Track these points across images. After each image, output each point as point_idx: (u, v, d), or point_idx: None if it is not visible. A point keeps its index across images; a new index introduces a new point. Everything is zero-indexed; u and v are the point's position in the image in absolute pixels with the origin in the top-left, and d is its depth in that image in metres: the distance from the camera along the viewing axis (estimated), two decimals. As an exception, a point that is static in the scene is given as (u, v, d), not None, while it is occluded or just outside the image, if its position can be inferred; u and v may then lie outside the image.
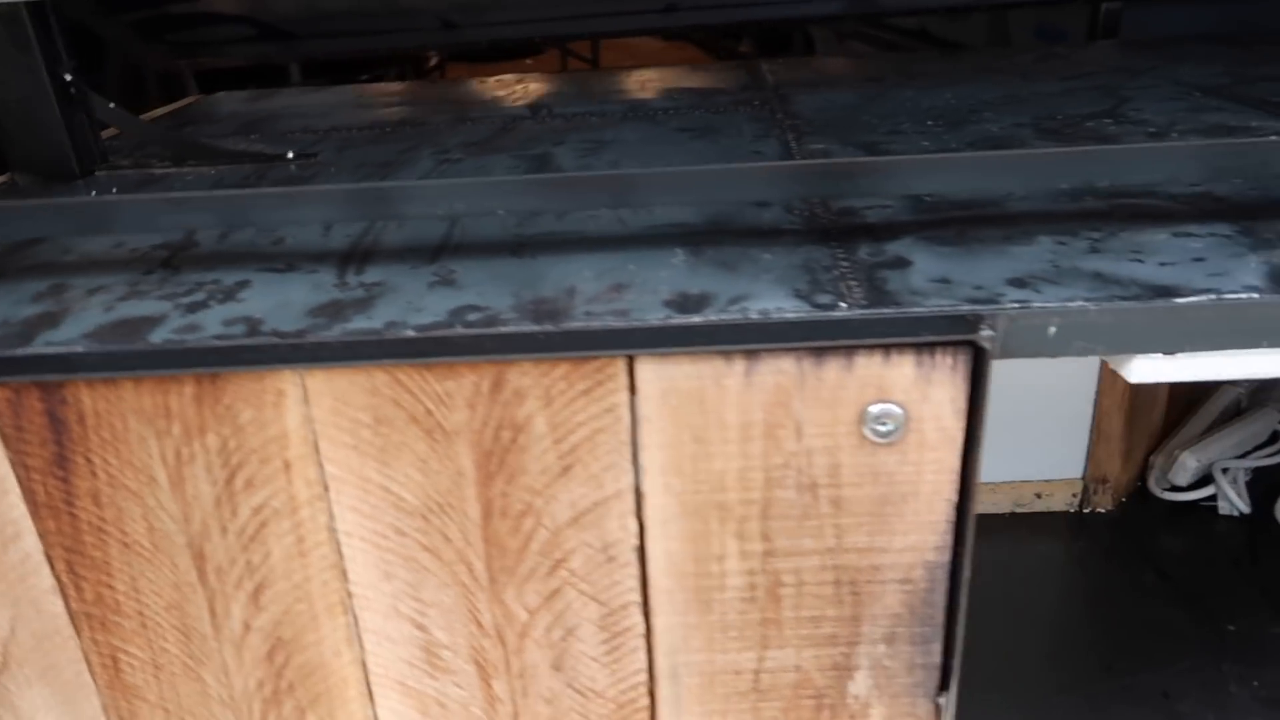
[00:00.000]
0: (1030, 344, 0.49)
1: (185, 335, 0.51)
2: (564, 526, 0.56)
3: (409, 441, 0.53)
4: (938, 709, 0.59)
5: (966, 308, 0.48)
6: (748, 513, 0.55)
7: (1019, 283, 0.50)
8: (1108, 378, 1.34)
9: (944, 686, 0.59)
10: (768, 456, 0.53)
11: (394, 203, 0.59)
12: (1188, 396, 1.52)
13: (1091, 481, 1.41)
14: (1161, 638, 1.15)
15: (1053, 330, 0.49)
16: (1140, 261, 0.52)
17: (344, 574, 0.58)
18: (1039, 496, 1.43)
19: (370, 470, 0.54)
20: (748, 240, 0.58)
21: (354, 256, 0.60)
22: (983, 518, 1.44)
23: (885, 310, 0.48)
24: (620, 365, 0.51)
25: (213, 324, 0.52)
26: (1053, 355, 0.50)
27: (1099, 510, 1.43)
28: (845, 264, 0.54)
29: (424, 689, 0.62)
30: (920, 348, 0.50)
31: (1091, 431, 1.38)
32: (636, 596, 0.58)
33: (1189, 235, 0.55)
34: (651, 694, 0.61)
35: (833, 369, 0.50)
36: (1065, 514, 1.43)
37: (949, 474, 0.53)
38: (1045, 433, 1.39)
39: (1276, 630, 1.16)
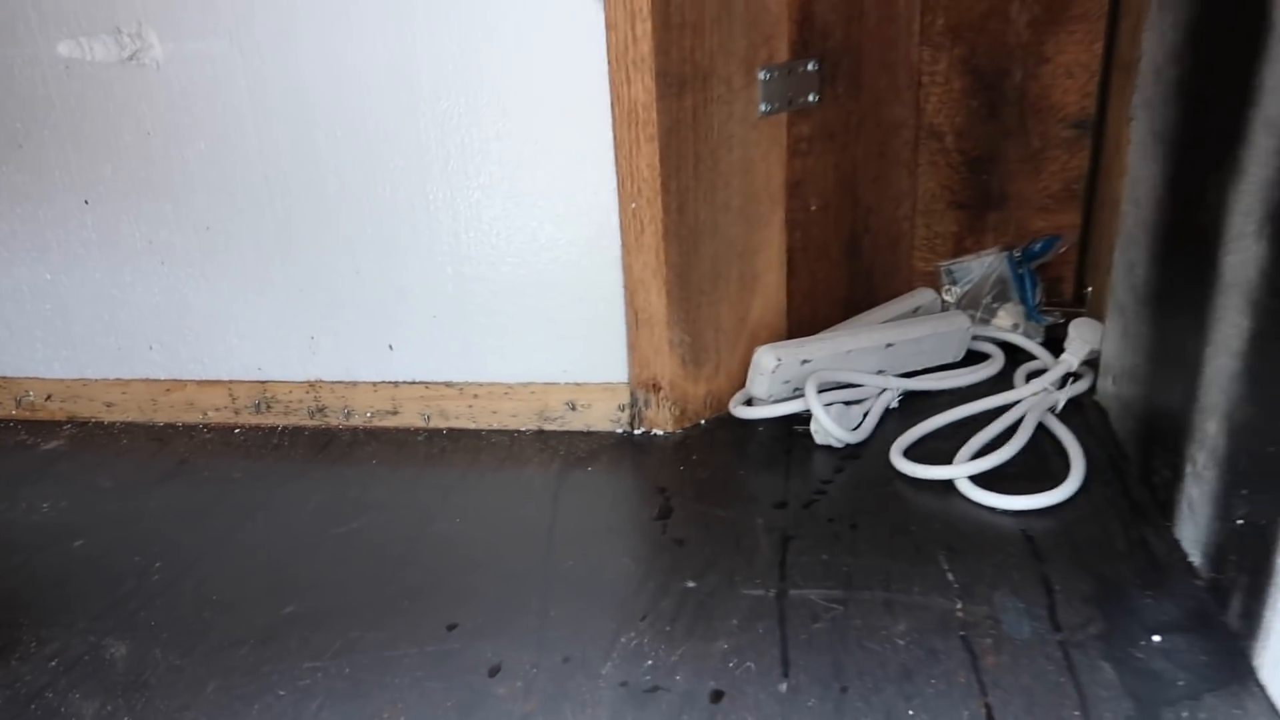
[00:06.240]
0: None
1: None
2: None
3: None
4: None
5: None
6: None
7: None
8: (631, 223, 0.93)
9: None
10: None
11: None
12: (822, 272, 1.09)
13: (640, 389, 0.99)
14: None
15: None
16: None
17: None
18: (574, 408, 1.01)
19: None
20: None
21: None
22: (492, 438, 1.03)
23: None
24: None
25: None
26: None
27: (655, 432, 1.01)
28: None
29: None
30: None
31: (627, 312, 0.97)
32: None
33: None
34: None
35: None
36: (613, 435, 1.01)
37: None
38: (567, 309, 0.99)
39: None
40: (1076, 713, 0.61)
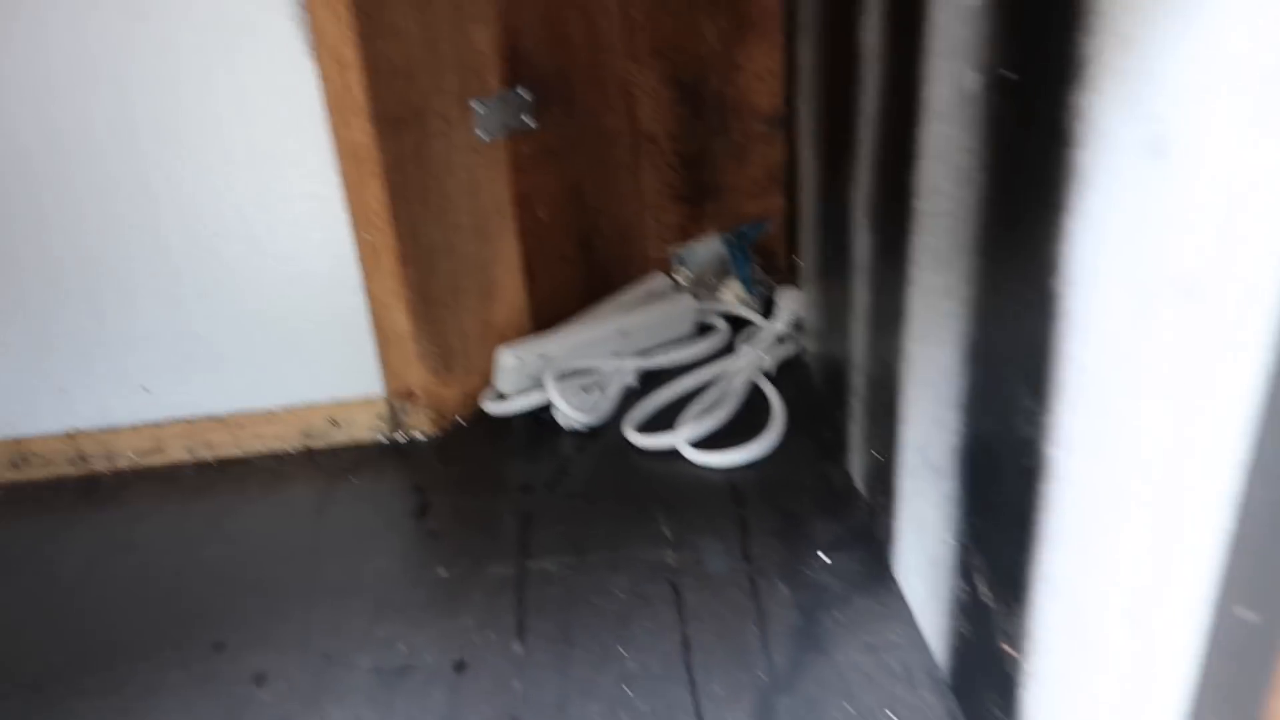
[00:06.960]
0: None
1: None
2: None
3: None
4: None
5: None
6: None
7: None
8: (367, 252, 1.00)
9: None
10: None
11: None
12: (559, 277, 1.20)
13: (396, 399, 1.07)
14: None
15: None
16: None
17: None
18: (336, 424, 1.08)
19: None
20: None
21: None
22: (259, 463, 1.08)
23: None
24: None
25: None
26: None
27: (416, 436, 1.09)
28: None
29: None
30: None
31: (375, 332, 1.04)
32: None
33: None
34: None
35: None
36: (376, 444, 1.09)
37: None
38: (319, 333, 1.05)
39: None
40: (755, 628, 0.75)
